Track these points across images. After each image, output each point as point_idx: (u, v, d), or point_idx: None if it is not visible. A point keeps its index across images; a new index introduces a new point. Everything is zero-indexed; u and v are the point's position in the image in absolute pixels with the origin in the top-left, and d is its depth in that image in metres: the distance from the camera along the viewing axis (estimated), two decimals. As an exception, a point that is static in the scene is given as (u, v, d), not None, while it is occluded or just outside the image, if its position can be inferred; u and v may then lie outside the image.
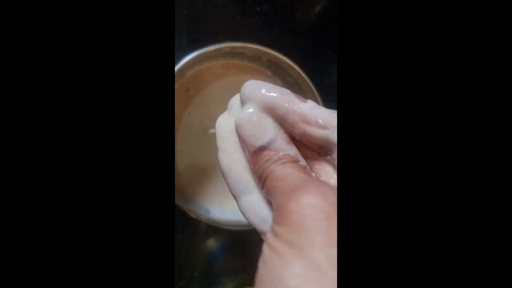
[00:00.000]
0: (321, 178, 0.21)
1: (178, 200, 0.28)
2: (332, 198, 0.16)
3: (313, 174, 0.21)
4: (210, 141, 0.33)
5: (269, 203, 0.19)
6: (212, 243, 0.35)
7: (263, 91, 0.20)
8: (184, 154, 0.32)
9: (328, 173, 0.21)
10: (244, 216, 0.20)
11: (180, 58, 0.30)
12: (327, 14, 0.41)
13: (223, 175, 0.21)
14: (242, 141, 0.20)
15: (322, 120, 0.19)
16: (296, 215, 0.16)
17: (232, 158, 0.20)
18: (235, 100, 0.22)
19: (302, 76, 0.31)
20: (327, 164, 0.21)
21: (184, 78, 0.32)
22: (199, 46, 0.32)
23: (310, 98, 0.32)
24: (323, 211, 0.16)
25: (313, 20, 0.41)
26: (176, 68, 0.29)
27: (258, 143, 0.19)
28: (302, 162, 0.20)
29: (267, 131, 0.19)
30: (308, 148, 0.21)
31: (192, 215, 0.29)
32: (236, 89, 0.33)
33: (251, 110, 0.20)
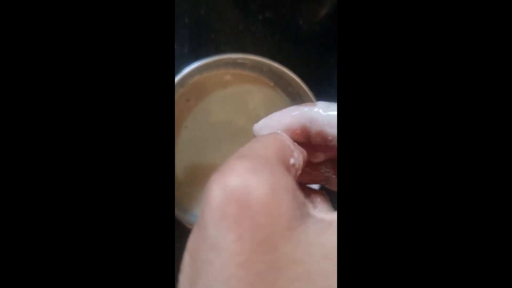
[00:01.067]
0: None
1: (176, 211, 0.28)
2: (259, 196, 0.13)
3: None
4: (208, 152, 0.33)
5: None
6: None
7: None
8: (182, 165, 0.32)
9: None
10: None
11: (181, 66, 0.30)
12: (330, 22, 0.41)
13: None
14: None
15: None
16: (205, 212, 0.13)
17: None
18: None
19: (303, 86, 0.31)
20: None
21: (185, 87, 0.32)
22: (201, 55, 0.32)
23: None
24: (236, 222, 0.12)
25: (316, 28, 0.40)
26: (177, 78, 0.29)
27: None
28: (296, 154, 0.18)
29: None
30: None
31: (190, 226, 0.29)
32: (237, 99, 0.33)
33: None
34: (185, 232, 0.33)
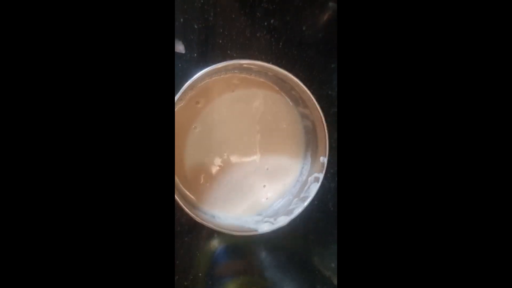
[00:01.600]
0: None
1: (185, 206, 0.30)
2: None
3: None
4: (215, 151, 0.35)
5: None
6: (215, 246, 0.37)
7: None
8: (191, 164, 0.34)
9: None
10: None
11: (191, 70, 0.32)
12: (332, 29, 0.42)
13: None
14: None
15: None
16: None
17: None
18: None
19: (305, 90, 0.33)
20: None
21: (194, 90, 0.34)
22: (209, 59, 0.34)
23: (313, 111, 0.34)
24: None
25: (319, 34, 0.42)
26: (188, 82, 0.30)
27: None
28: None
29: None
30: None
31: (198, 220, 0.31)
32: (244, 102, 0.35)
33: None
34: (193, 226, 0.35)
